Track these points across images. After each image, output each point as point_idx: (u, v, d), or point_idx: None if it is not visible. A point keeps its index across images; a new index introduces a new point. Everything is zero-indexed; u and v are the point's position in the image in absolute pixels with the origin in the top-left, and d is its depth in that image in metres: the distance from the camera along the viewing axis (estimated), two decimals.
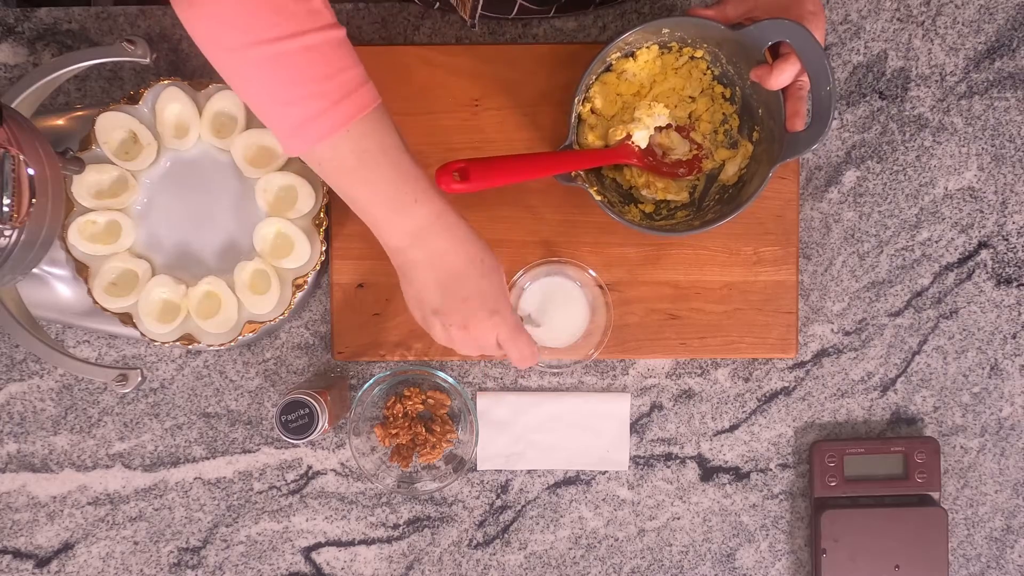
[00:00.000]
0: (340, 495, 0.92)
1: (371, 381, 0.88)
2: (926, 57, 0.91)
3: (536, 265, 0.87)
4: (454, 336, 0.72)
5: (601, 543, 0.93)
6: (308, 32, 0.61)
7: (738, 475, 0.93)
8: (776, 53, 0.76)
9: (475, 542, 0.93)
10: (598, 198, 0.80)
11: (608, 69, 0.84)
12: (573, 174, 0.80)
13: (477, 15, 0.79)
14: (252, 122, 0.82)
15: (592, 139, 0.84)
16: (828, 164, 0.92)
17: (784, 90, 0.76)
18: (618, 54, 0.83)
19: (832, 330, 0.92)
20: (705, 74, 0.84)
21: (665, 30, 0.80)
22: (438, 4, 0.88)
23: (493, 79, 0.89)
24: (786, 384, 0.93)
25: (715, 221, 0.80)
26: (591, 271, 0.85)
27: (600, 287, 0.86)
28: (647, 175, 0.85)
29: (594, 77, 0.83)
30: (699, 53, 0.83)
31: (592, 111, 0.85)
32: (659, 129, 0.84)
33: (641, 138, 0.82)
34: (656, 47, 0.83)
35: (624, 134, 0.82)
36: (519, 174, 0.76)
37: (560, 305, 0.87)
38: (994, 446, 0.93)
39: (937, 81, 0.91)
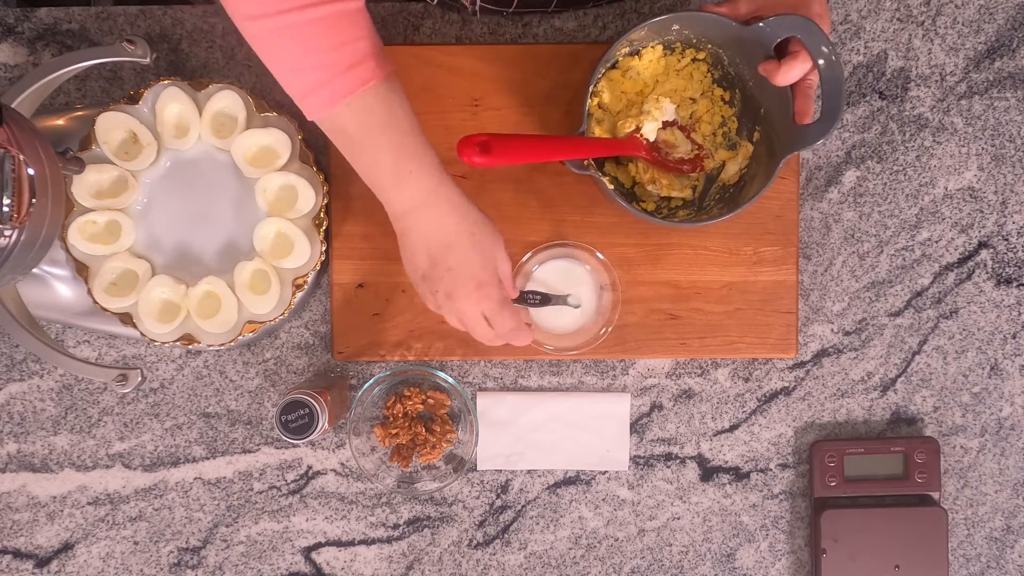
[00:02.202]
0: (340, 495, 0.92)
1: (371, 381, 0.88)
2: (926, 57, 0.91)
3: (544, 248, 0.87)
4: (440, 304, 0.73)
5: (601, 543, 0.93)
6: (320, 4, 0.63)
7: (738, 475, 0.93)
8: (784, 52, 0.76)
9: (475, 542, 0.93)
10: (610, 186, 0.81)
11: (614, 66, 0.84)
12: (585, 162, 0.81)
13: (479, 2, 0.78)
14: (252, 122, 0.82)
15: (599, 132, 0.85)
16: (828, 164, 0.92)
17: (793, 88, 0.77)
18: (626, 50, 0.83)
19: (832, 330, 0.92)
20: (706, 77, 0.85)
21: (675, 27, 0.80)
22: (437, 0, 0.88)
23: (493, 79, 0.89)
24: (786, 384, 0.93)
25: (719, 215, 0.80)
26: (599, 254, 0.86)
27: (607, 270, 0.86)
28: (652, 170, 0.86)
29: (603, 70, 0.83)
30: (701, 55, 0.83)
31: (599, 106, 0.85)
32: (665, 125, 0.85)
33: (650, 131, 0.83)
34: (660, 47, 0.83)
35: (633, 127, 0.83)
36: (538, 154, 0.77)
37: (569, 288, 0.88)
38: (994, 446, 0.93)
39: (937, 81, 0.91)
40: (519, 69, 0.88)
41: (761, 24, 0.75)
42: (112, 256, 0.82)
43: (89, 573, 0.92)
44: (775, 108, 0.80)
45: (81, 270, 0.82)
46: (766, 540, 0.93)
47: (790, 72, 0.75)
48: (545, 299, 0.85)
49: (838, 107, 0.75)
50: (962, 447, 0.93)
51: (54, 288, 0.86)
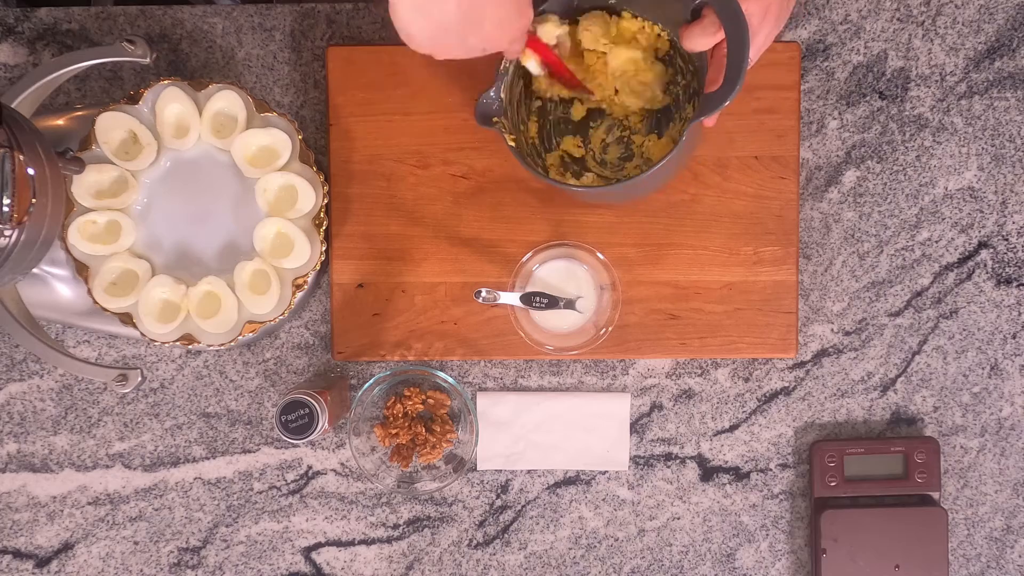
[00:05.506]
0: (340, 495, 0.92)
1: (371, 381, 0.88)
2: (926, 57, 0.91)
3: (544, 248, 0.87)
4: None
5: (601, 543, 0.93)
6: None
7: (738, 475, 0.93)
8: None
9: (475, 542, 0.93)
10: (511, 144, 0.78)
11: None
12: (494, 119, 0.78)
13: None
14: (252, 122, 0.82)
15: (545, 86, 0.83)
16: (828, 164, 0.92)
17: (711, 57, 0.74)
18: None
19: (832, 330, 0.92)
20: (649, 55, 0.83)
21: None
22: None
23: (492, 79, 0.89)
24: (786, 384, 0.93)
25: (628, 179, 0.78)
26: (599, 254, 0.85)
27: (608, 270, 0.86)
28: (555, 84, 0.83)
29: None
30: (646, 24, 0.81)
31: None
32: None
33: (545, 33, 0.80)
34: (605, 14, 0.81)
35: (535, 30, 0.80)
36: None
37: (569, 288, 0.87)
38: (994, 446, 0.93)
39: (937, 81, 0.91)
40: None
41: None
42: (112, 256, 0.82)
43: (89, 573, 0.92)
44: (695, 77, 0.77)
45: (81, 270, 0.82)
46: (766, 540, 0.93)
47: (692, 36, 0.71)
48: (552, 302, 0.83)
49: (738, 74, 0.69)
50: (962, 447, 0.93)
51: (54, 288, 0.86)
